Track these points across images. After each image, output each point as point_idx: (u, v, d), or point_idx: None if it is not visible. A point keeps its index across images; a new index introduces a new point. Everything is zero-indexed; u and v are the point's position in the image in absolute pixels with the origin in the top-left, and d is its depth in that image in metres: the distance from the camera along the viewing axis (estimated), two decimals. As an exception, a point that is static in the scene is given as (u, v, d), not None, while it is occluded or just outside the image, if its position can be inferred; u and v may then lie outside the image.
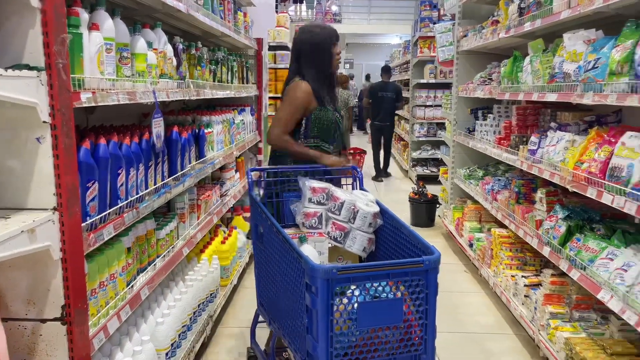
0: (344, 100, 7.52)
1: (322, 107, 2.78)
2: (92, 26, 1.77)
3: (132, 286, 2.05)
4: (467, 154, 4.96)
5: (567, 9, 2.68)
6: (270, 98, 7.28)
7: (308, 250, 2.29)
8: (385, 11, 18.19)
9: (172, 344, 2.25)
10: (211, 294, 2.92)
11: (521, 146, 3.37)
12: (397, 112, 9.07)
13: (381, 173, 8.72)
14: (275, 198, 2.65)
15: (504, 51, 4.33)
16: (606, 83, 2.29)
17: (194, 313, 2.60)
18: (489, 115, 4.28)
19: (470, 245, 4.22)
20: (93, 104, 1.68)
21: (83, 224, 1.62)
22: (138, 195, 2.05)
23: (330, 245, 2.50)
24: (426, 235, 5.42)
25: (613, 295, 2.18)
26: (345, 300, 1.82)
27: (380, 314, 1.85)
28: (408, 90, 9.00)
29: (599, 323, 2.59)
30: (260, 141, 5.01)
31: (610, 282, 2.21)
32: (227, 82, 3.80)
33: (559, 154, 2.80)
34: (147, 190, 2.15)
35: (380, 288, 1.91)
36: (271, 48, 7.22)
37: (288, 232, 2.51)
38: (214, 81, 3.41)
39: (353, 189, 2.77)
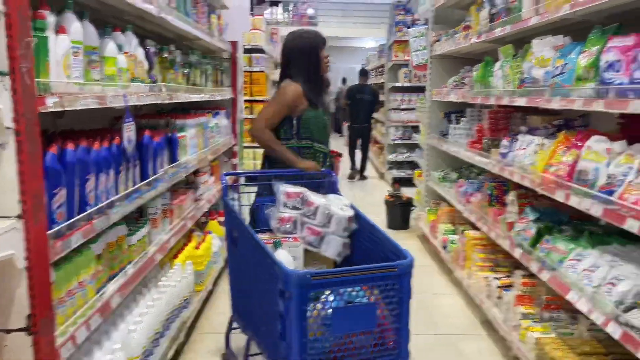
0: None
1: (313, 109, 2.86)
2: (59, 29, 1.74)
3: (102, 294, 2.01)
4: (441, 157, 5.02)
5: (536, 15, 2.74)
6: (245, 101, 7.25)
7: (282, 256, 2.28)
8: (360, 15, 18.30)
9: (144, 352, 2.21)
10: (185, 300, 2.88)
11: (493, 149, 3.43)
12: (374, 114, 9.16)
13: (356, 173, 8.88)
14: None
15: (476, 56, 4.40)
16: (573, 88, 2.34)
17: (167, 320, 2.57)
18: (462, 118, 4.34)
19: (445, 247, 4.27)
20: (60, 109, 1.64)
21: (49, 232, 1.59)
22: (108, 201, 2.02)
23: (305, 249, 2.49)
24: (401, 237, 5.48)
25: (581, 296, 2.23)
26: (319, 306, 1.82)
27: (354, 319, 1.86)
28: (383, 94, 9.07)
29: (568, 323, 2.64)
30: (235, 145, 4.98)
31: (579, 283, 2.26)
32: (201, 86, 3.77)
33: (529, 157, 2.85)
34: (117, 196, 2.11)
35: (354, 293, 1.91)
36: (246, 51, 7.20)
37: (263, 237, 2.50)
38: (187, 84, 3.38)
39: (328, 193, 2.78)
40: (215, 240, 3.79)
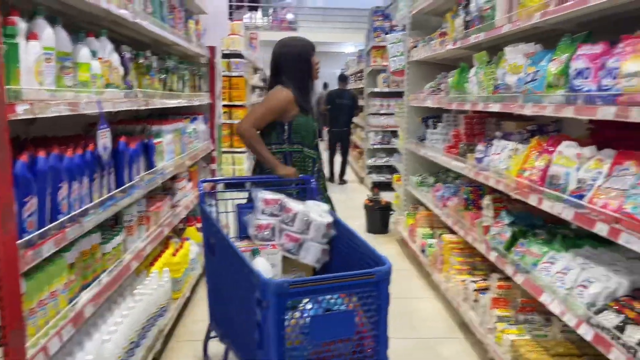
0: None
1: (303, 115, 2.90)
2: (30, 35, 1.71)
3: (74, 304, 1.98)
4: (419, 161, 5.06)
5: (508, 23, 2.79)
6: (224, 106, 7.23)
7: (260, 263, 2.28)
8: (340, 20, 18.41)
9: (119, 362, 2.18)
10: (162, 308, 2.85)
11: (469, 154, 3.47)
12: (353, 119, 9.21)
13: (334, 177, 8.95)
14: None
15: (453, 62, 4.46)
16: (544, 95, 2.39)
17: (143, 328, 2.54)
18: (438, 124, 4.39)
19: (423, 251, 4.31)
20: (31, 116, 1.62)
21: (19, 241, 1.56)
22: (82, 209, 1.99)
23: (283, 257, 2.49)
24: (381, 241, 5.51)
25: (554, 298, 2.27)
26: (297, 315, 1.81)
27: (332, 327, 1.86)
28: (363, 99, 9.13)
29: (542, 325, 2.69)
30: (214, 150, 4.95)
31: (552, 286, 2.30)
32: (178, 91, 3.74)
33: (503, 162, 2.90)
34: (91, 204, 2.08)
35: (332, 300, 1.91)
36: (225, 56, 7.18)
37: (241, 244, 2.49)
38: (164, 90, 3.35)
39: (307, 199, 2.78)
40: (193, 247, 3.76)
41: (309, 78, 2.97)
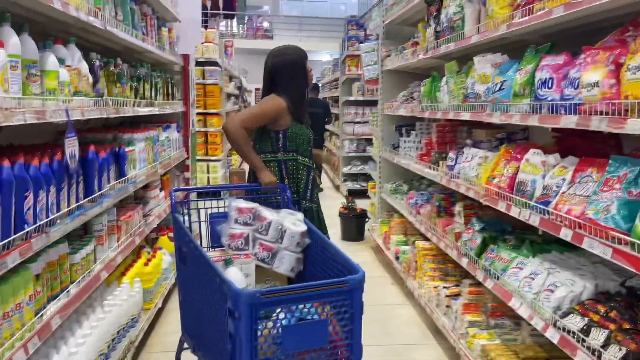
0: None
1: (297, 124, 2.89)
2: (-5, 43, 1.69)
3: (41, 315, 1.94)
4: (393, 169, 5.11)
5: (477, 34, 2.86)
6: (199, 114, 7.17)
7: (233, 273, 2.26)
8: (315, 29, 18.52)
9: (87, 374, 2.14)
10: (132, 319, 2.81)
11: (441, 162, 3.53)
12: (327, 127, 9.25)
13: None
14: None
15: (425, 71, 4.53)
16: (511, 104, 2.45)
17: (113, 340, 2.49)
18: (412, 132, 4.45)
19: (397, 258, 4.34)
20: (-5, 124, 1.59)
21: (-18, 252, 1.52)
22: (48, 219, 1.96)
23: (257, 266, 2.47)
24: (356, 249, 5.53)
25: (522, 303, 2.32)
26: (269, 325, 1.80)
27: (305, 336, 1.84)
28: (338, 107, 9.18)
29: (512, 329, 2.73)
30: (187, 158, 4.92)
31: (520, 290, 2.35)
32: (151, 99, 3.71)
33: (474, 169, 2.96)
34: (59, 213, 2.05)
35: (305, 310, 1.91)
36: (200, 64, 7.14)
37: (214, 254, 2.47)
38: (135, 98, 3.32)
39: (281, 208, 2.77)
40: (165, 257, 3.71)
41: (304, 86, 2.97)
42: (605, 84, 1.77)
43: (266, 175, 2.82)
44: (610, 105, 1.75)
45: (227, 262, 2.33)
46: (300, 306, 1.88)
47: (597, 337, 1.86)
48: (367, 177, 8.25)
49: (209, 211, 2.78)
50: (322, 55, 20.10)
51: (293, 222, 2.51)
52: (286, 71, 2.92)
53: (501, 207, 2.53)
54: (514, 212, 2.40)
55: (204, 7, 15.30)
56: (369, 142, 8.25)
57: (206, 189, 3.07)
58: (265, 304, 1.75)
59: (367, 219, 5.84)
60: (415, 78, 4.64)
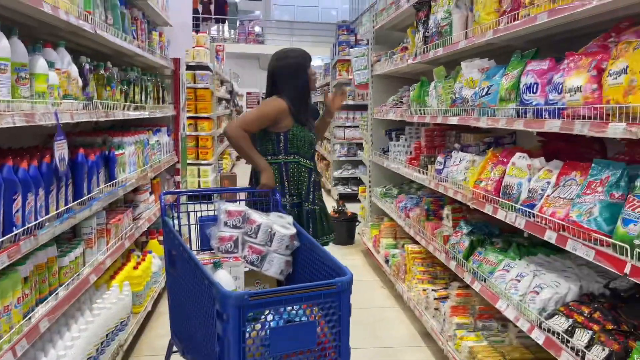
0: None
1: (298, 126, 2.89)
2: (-16, 46, 1.69)
3: (29, 318, 1.94)
4: (383, 173, 5.15)
5: (464, 39, 2.90)
6: (190, 118, 7.18)
7: (223, 276, 2.27)
8: (307, 34, 18.57)
9: (75, 378, 2.13)
10: (121, 322, 2.80)
11: (429, 166, 3.56)
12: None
13: None
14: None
15: (414, 75, 4.57)
16: (498, 108, 2.49)
17: (102, 343, 2.49)
18: (401, 136, 4.49)
19: (387, 262, 4.36)
20: (-17, 127, 1.59)
21: (-30, 254, 1.53)
22: (37, 222, 1.96)
23: (246, 269, 2.49)
24: (346, 252, 5.54)
25: (509, 305, 2.35)
26: (258, 327, 1.81)
27: (293, 338, 1.85)
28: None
29: (499, 331, 2.76)
30: (178, 162, 4.92)
31: (506, 292, 2.38)
32: (141, 103, 3.72)
33: (461, 173, 2.99)
34: (47, 216, 2.05)
35: (293, 312, 1.92)
36: (191, 68, 7.16)
37: (203, 257, 2.47)
38: (125, 101, 3.33)
39: (270, 211, 2.78)
40: (155, 260, 3.71)
41: (306, 90, 2.97)
42: (587, 89, 1.81)
43: (265, 177, 2.82)
44: (592, 109, 1.78)
45: (216, 265, 2.34)
46: (289, 308, 1.89)
47: (581, 337, 1.89)
48: (358, 181, 8.28)
49: (199, 214, 2.79)
50: (313, 60, 20.16)
51: (282, 225, 2.53)
52: (287, 73, 2.92)
53: (488, 210, 2.56)
54: (501, 215, 2.43)
55: (196, 11, 15.32)
56: (360, 146, 8.28)
57: (196, 192, 3.07)
58: (253, 306, 1.75)
59: (357, 223, 5.86)
60: (405, 83, 4.68)
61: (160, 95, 4.39)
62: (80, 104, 2.46)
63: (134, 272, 3.23)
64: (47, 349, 2.16)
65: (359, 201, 6.26)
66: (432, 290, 3.31)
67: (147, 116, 3.81)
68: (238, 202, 2.81)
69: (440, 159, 3.40)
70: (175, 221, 2.65)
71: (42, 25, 2.45)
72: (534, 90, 2.18)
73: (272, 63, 3.00)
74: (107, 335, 2.57)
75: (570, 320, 2.00)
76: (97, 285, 2.99)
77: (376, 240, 4.84)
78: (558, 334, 1.99)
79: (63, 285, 2.26)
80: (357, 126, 8.17)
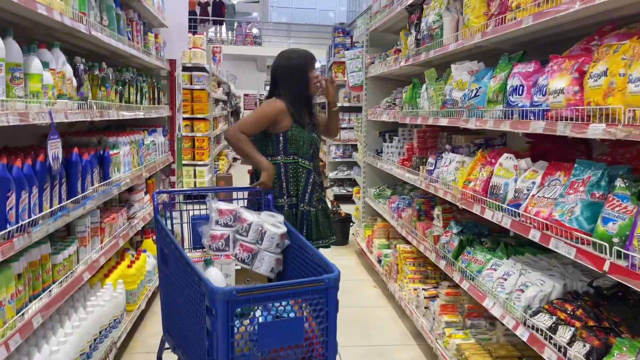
0: None
1: (297, 126, 2.89)
2: (-21, 46, 1.73)
3: (22, 314, 1.97)
4: (377, 174, 5.19)
5: (454, 42, 2.95)
6: (186, 119, 7.21)
7: (213, 273, 2.30)
8: (304, 36, 18.62)
9: (68, 373, 2.17)
10: (115, 320, 2.83)
11: (421, 166, 3.61)
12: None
13: None
14: None
15: (407, 77, 4.62)
16: (486, 110, 2.53)
17: (95, 340, 2.52)
18: (394, 137, 4.53)
19: (379, 262, 4.40)
20: (-22, 126, 1.63)
21: (-36, 250, 1.56)
22: (31, 219, 1.99)
23: (237, 267, 2.52)
24: (340, 253, 5.58)
25: (495, 303, 2.39)
26: (246, 322, 1.84)
27: (281, 333, 1.89)
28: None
29: (487, 329, 2.80)
30: (173, 162, 4.95)
31: (493, 291, 2.42)
32: (136, 103, 3.75)
33: (451, 173, 3.03)
34: (41, 214, 2.08)
35: (281, 308, 1.96)
36: (187, 69, 7.19)
37: (195, 255, 2.51)
38: (120, 102, 3.36)
39: (261, 210, 2.82)
40: (149, 259, 3.74)
41: (304, 91, 2.96)
42: (569, 91, 1.86)
43: (264, 175, 2.81)
44: (574, 111, 1.83)
45: (207, 262, 2.38)
46: (277, 304, 1.93)
47: (564, 334, 1.93)
48: (353, 183, 8.32)
49: (191, 213, 2.82)
50: (310, 61, 20.19)
51: (273, 223, 2.56)
52: (287, 74, 2.94)
53: (476, 210, 2.60)
54: (488, 214, 2.47)
55: (193, 13, 15.36)
56: (355, 147, 8.32)
57: (188, 192, 3.10)
58: (241, 301, 1.79)
59: (351, 224, 5.90)
60: (399, 84, 4.72)
61: (156, 96, 4.42)
62: (74, 103, 2.50)
63: (128, 270, 3.26)
64: (41, 344, 2.19)
65: (354, 202, 6.29)
66: (423, 289, 3.35)
67: (142, 116, 3.84)
68: (237, 201, 2.83)
69: (431, 160, 3.44)
70: (168, 220, 2.69)
71: (38, 26, 2.48)
72: (520, 92, 2.22)
73: (274, 63, 3.03)
74: (100, 332, 2.61)
75: (554, 317, 2.04)
76: (91, 283, 3.02)
77: (369, 240, 4.88)
78: (542, 330, 2.03)
79: (56, 283, 2.29)
80: (352, 128, 8.22)
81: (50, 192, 2.18)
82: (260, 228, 2.53)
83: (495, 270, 2.54)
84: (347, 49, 6.95)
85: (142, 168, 3.72)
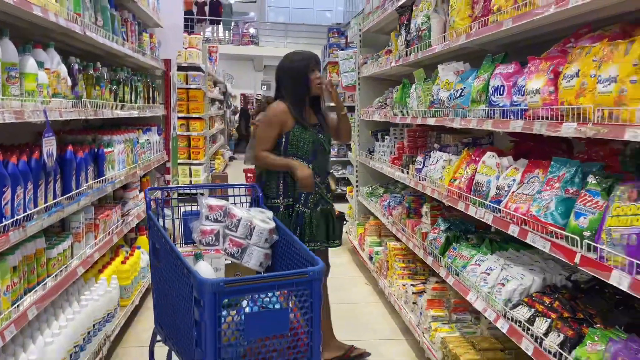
0: None
1: (300, 127, 2.92)
2: (-24, 46, 1.79)
3: (18, 306, 2.03)
4: (370, 173, 5.26)
5: (441, 43, 3.02)
6: (182, 118, 7.27)
7: (203, 267, 2.37)
8: (301, 36, 18.68)
9: (62, 364, 2.23)
10: (108, 314, 2.90)
11: (411, 165, 3.68)
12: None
13: None
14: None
15: (398, 77, 4.69)
16: (470, 109, 2.61)
17: (89, 333, 2.59)
18: (386, 137, 4.61)
19: (371, 259, 4.47)
20: (-26, 123, 1.69)
21: (-39, 242, 1.62)
22: (26, 214, 2.05)
23: (227, 261, 2.59)
24: (333, 250, 5.61)
25: (478, 296, 2.46)
26: (233, 312, 1.91)
27: (266, 324, 1.96)
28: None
29: (472, 323, 2.88)
30: (168, 161, 5.01)
31: (477, 285, 2.49)
32: (131, 102, 3.81)
33: (438, 172, 3.11)
34: (36, 209, 2.15)
35: (267, 299, 2.03)
36: (183, 69, 7.25)
37: (186, 249, 2.58)
38: (115, 101, 3.43)
39: (251, 206, 2.89)
40: (144, 256, 3.80)
41: (305, 93, 2.96)
42: (545, 91, 1.93)
43: (301, 170, 2.82)
44: (549, 110, 1.90)
45: (197, 256, 2.44)
46: (263, 295, 2.00)
47: (540, 325, 2.01)
48: (348, 182, 8.39)
49: (182, 209, 2.88)
50: (308, 61, 20.24)
51: (262, 219, 2.63)
52: (288, 76, 2.98)
53: (461, 206, 2.67)
54: (472, 211, 2.54)
55: (190, 12, 15.40)
56: (349, 147, 8.39)
57: (179, 188, 3.17)
58: (228, 292, 1.86)
59: (345, 222, 5.96)
60: (391, 84, 4.79)
61: (151, 95, 4.48)
62: (69, 102, 2.56)
63: (122, 266, 3.33)
64: (35, 336, 2.25)
65: (347, 201, 6.36)
66: (411, 285, 3.42)
67: (137, 115, 3.90)
68: (232, 199, 2.87)
69: (420, 158, 3.51)
70: (161, 218, 2.75)
71: (34, 27, 2.55)
72: (501, 92, 2.30)
73: (278, 65, 3.07)
74: (94, 325, 2.67)
75: (532, 309, 2.11)
76: (86, 278, 3.08)
77: (361, 238, 4.95)
78: (520, 322, 2.10)
79: (51, 276, 2.35)
80: (347, 127, 8.27)
81: (45, 188, 2.24)
82: (249, 223, 2.59)
83: (479, 265, 2.61)
84: (342, 49, 7.02)
85: (137, 166, 3.78)
